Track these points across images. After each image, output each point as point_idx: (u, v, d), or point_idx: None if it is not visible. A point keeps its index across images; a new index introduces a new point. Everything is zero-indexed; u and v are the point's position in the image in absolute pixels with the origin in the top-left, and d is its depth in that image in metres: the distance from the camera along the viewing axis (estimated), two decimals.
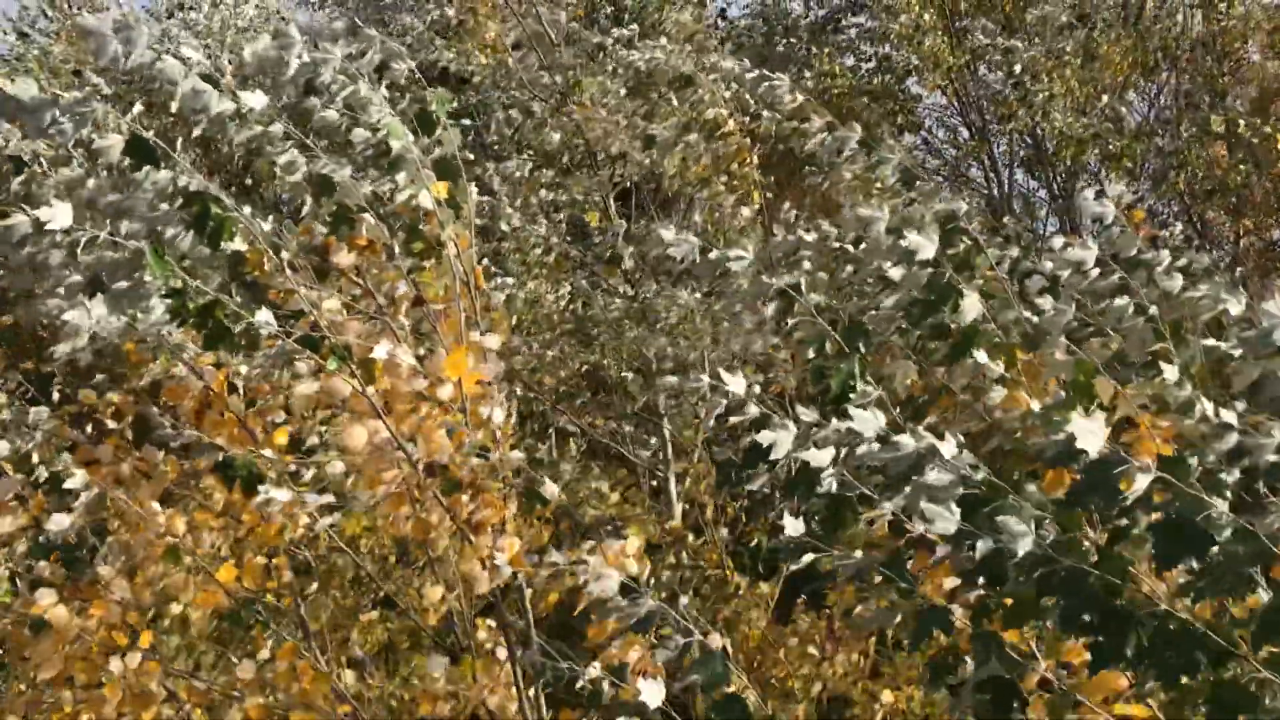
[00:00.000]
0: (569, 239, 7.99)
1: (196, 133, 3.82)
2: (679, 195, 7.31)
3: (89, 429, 4.31)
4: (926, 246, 3.38)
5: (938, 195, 4.17)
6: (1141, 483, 2.38)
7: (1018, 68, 9.25)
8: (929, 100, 12.16)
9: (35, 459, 3.92)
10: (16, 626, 3.58)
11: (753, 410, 2.96)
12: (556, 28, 7.62)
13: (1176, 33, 10.02)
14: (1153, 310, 3.30)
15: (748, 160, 6.43)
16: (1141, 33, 9.70)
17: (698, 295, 6.91)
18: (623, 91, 7.15)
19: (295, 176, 3.99)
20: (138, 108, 3.50)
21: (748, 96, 6.37)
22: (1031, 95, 9.19)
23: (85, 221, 3.65)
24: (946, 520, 2.51)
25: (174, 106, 3.64)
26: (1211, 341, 3.19)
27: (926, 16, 10.26)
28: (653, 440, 7.68)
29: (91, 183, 3.77)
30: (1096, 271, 3.46)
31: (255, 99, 3.73)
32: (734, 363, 6.85)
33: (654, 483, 7.86)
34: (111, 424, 4.30)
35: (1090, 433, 2.38)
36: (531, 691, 4.43)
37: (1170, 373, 2.90)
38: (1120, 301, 3.35)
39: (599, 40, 6.95)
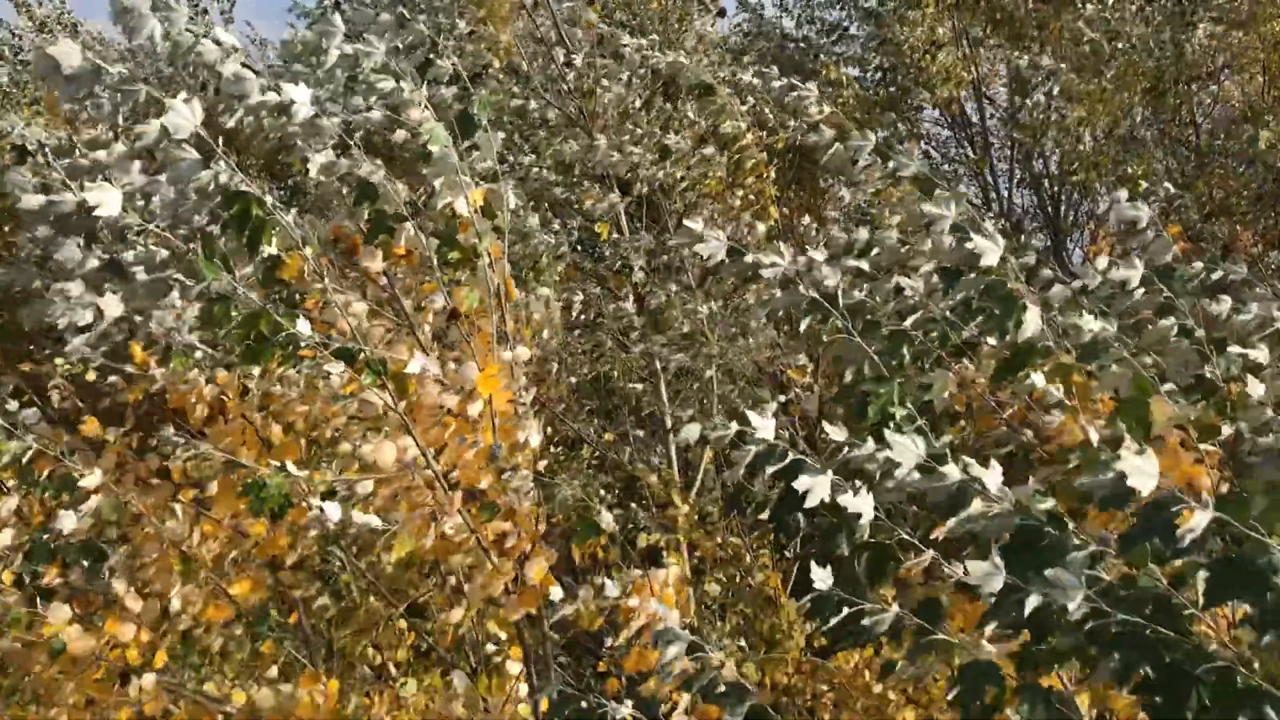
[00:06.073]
0: (579, 248, 7.83)
1: (230, 122, 3.61)
2: (690, 208, 7.18)
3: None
4: (992, 251, 3.17)
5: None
6: (1200, 521, 2.20)
7: (1055, 89, 9.24)
8: (930, 114, 12.20)
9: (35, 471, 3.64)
10: (26, 647, 3.32)
11: (786, 455, 2.77)
12: (571, 35, 7.44)
13: (1174, 55, 10.14)
14: (1199, 333, 3.17)
15: (765, 174, 6.35)
16: (1126, 55, 9.77)
17: (713, 305, 6.81)
18: (638, 103, 7.01)
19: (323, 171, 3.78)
20: (183, 97, 3.28)
21: (768, 112, 6.29)
22: (1066, 115, 9.19)
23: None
24: (992, 577, 2.33)
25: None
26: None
27: (940, 30, 10.24)
28: (658, 453, 7.57)
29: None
30: (1140, 292, 3.34)
31: (300, 92, 3.53)
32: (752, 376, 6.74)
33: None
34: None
35: (1143, 471, 2.23)
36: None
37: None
38: (1165, 322, 3.21)
39: (617, 46, 6.78)
